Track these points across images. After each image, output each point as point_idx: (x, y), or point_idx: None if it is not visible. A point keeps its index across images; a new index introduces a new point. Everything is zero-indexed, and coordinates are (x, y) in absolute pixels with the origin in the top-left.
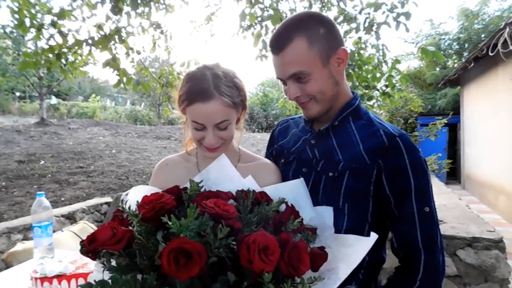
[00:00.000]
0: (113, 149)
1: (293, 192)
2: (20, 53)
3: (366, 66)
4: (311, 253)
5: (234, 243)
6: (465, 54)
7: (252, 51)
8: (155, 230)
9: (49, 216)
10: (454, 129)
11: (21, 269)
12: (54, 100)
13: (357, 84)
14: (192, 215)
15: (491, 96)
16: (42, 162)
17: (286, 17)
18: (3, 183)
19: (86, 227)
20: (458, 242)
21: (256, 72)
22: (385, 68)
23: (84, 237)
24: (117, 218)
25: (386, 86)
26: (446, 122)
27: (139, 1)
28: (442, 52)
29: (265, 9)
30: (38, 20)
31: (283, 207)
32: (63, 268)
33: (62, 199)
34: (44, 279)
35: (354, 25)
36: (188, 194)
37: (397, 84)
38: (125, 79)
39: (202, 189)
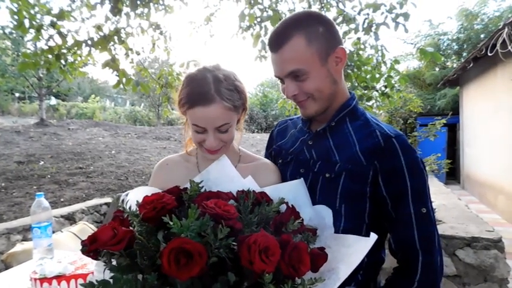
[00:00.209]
0: (113, 149)
1: (293, 192)
2: (20, 53)
3: (365, 67)
4: (311, 254)
5: (234, 243)
6: (464, 54)
7: (251, 51)
8: (156, 230)
9: (48, 217)
10: (453, 129)
11: (21, 269)
12: (53, 101)
13: (356, 84)
14: (193, 216)
15: (491, 97)
16: (42, 162)
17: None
18: (3, 184)
19: (86, 228)
20: (458, 242)
21: (256, 73)
22: (384, 69)
23: (84, 238)
24: (118, 219)
25: (386, 87)
26: (445, 122)
27: (138, 2)
28: (441, 52)
29: (264, 10)
30: (38, 20)
31: (283, 207)
32: (62, 269)
33: (62, 200)
34: (43, 280)
35: (353, 26)
36: (188, 194)
37: (396, 85)
38: (124, 80)
39: (202, 190)
